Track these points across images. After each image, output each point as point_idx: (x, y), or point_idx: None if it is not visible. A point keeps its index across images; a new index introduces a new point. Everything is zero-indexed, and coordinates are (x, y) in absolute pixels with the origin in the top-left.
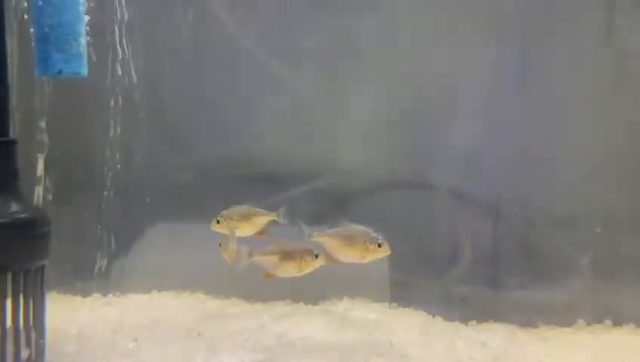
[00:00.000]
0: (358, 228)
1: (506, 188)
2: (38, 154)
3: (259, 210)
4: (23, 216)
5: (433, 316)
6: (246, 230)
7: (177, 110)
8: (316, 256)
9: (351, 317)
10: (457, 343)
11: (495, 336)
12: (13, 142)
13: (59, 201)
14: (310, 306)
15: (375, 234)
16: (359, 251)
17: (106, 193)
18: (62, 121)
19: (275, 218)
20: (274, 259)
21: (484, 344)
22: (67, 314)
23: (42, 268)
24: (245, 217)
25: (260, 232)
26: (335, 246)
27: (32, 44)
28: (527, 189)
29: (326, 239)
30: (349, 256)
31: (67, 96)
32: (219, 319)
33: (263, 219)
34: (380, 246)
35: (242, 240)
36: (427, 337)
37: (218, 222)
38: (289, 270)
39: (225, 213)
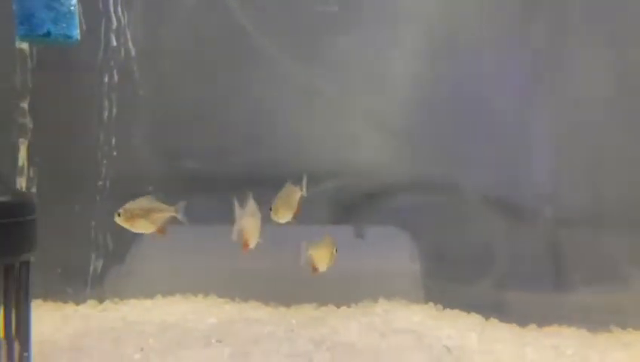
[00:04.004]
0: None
1: (564, 182)
2: (20, 140)
3: (160, 204)
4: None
5: (487, 318)
6: (145, 226)
7: (183, 87)
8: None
9: (393, 320)
10: (524, 349)
11: (566, 341)
12: None
13: (45, 194)
14: (344, 308)
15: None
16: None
17: (100, 184)
18: (47, 101)
19: (174, 213)
20: None
21: (556, 349)
22: (57, 324)
23: (27, 264)
24: (146, 212)
25: (160, 229)
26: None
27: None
28: (587, 184)
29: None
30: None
31: (53, 72)
32: (240, 324)
33: (162, 216)
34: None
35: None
36: (488, 341)
37: (119, 215)
38: None
39: (127, 206)
